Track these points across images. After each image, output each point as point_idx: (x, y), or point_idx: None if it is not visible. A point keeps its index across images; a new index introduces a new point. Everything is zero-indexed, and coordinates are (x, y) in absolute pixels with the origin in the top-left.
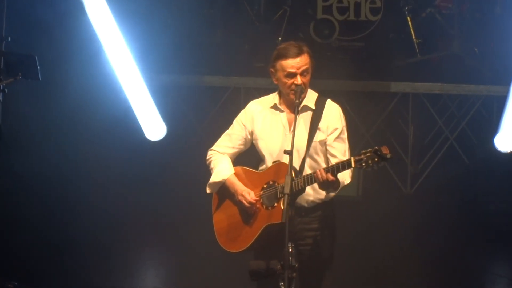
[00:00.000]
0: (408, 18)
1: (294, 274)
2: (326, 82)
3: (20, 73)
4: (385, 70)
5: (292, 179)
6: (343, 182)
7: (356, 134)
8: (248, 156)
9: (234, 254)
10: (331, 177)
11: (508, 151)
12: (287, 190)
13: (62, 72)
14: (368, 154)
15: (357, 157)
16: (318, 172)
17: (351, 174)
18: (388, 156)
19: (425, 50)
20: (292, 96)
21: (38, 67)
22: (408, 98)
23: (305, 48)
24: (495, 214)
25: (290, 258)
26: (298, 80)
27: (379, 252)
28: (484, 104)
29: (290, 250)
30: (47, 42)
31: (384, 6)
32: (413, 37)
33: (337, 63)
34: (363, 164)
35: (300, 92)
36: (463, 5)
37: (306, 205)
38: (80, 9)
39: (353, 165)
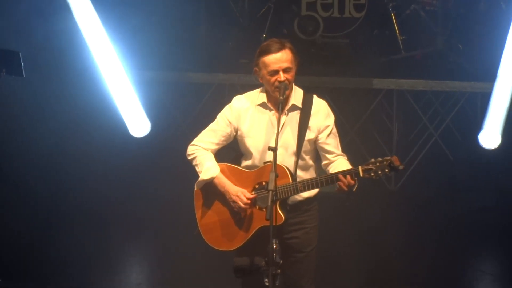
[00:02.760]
0: (392, 14)
1: (279, 271)
2: (310, 78)
3: (3, 70)
4: (369, 66)
5: (291, 184)
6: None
7: (340, 131)
8: (223, 149)
9: (220, 251)
10: (352, 182)
11: (492, 148)
12: (271, 187)
13: (46, 69)
14: (378, 164)
15: (365, 167)
16: (341, 178)
17: None
18: (401, 167)
19: (409, 46)
20: (276, 94)
21: (22, 64)
22: (392, 95)
23: (287, 44)
24: (479, 211)
25: (274, 254)
26: (281, 76)
27: (363, 248)
28: (468, 100)
29: (274, 246)
30: (30, 38)
31: (368, 3)
32: (397, 34)
33: (322, 59)
34: (372, 174)
35: (284, 89)
36: (447, 2)
37: (290, 202)
38: (64, 6)
39: (361, 175)
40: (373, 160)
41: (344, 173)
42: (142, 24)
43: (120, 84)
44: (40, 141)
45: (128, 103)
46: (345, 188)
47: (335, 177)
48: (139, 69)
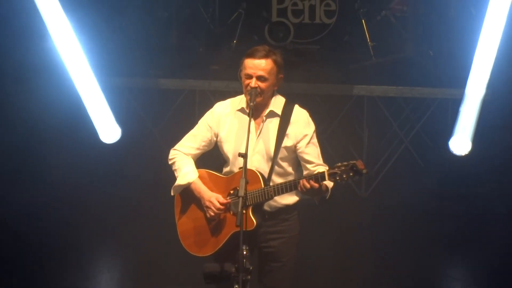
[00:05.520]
0: (363, 21)
1: (249, 277)
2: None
3: None
4: (340, 73)
5: (262, 188)
6: (327, 186)
7: None
8: (210, 157)
9: (193, 256)
10: (315, 185)
11: (463, 154)
12: (241, 193)
13: (15, 74)
14: (343, 168)
15: (331, 171)
16: (301, 183)
17: None
18: (364, 171)
19: (380, 53)
20: (247, 97)
21: None
22: (363, 101)
23: (273, 56)
24: (449, 217)
25: (244, 261)
26: (252, 82)
27: (333, 255)
28: (439, 107)
29: (244, 253)
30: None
31: (339, 9)
32: (368, 40)
33: (292, 66)
34: (337, 178)
35: (254, 95)
36: (418, 8)
37: (269, 209)
38: (34, 11)
39: (326, 179)
40: (339, 164)
41: (310, 177)
42: (113, 30)
43: (90, 90)
44: (9, 146)
45: (98, 109)
46: (304, 191)
47: (305, 179)
48: (109, 75)
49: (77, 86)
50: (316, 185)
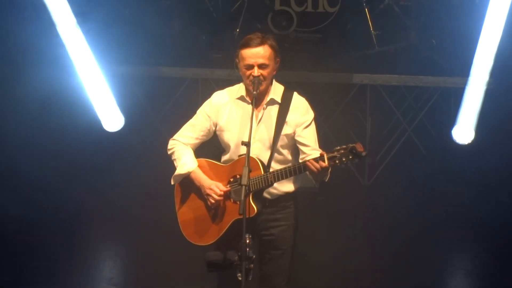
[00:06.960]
0: (366, 9)
1: (252, 265)
2: (283, 73)
3: None
4: (343, 61)
5: (262, 175)
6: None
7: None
8: (209, 146)
9: (196, 246)
10: (324, 165)
11: (466, 143)
12: (244, 181)
13: (19, 63)
14: (342, 151)
15: (330, 154)
16: (310, 163)
17: None
18: (363, 154)
19: (383, 41)
20: (250, 87)
21: None
22: (366, 90)
23: (268, 41)
24: (452, 206)
25: (247, 249)
26: (255, 71)
27: (335, 243)
28: (442, 95)
29: (247, 241)
30: (2, 33)
31: None
32: (371, 29)
33: (295, 54)
34: (337, 162)
35: (258, 84)
36: None
37: (270, 197)
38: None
39: (326, 162)
40: (338, 147)
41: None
42: (116, 18)
43: (93, 79)
44: (12, 136)
45: (102, 97)
46: (315, 171)
47: (302, 165)
48: (112, 64)
49: (80, 75)
50: (325, 164)
